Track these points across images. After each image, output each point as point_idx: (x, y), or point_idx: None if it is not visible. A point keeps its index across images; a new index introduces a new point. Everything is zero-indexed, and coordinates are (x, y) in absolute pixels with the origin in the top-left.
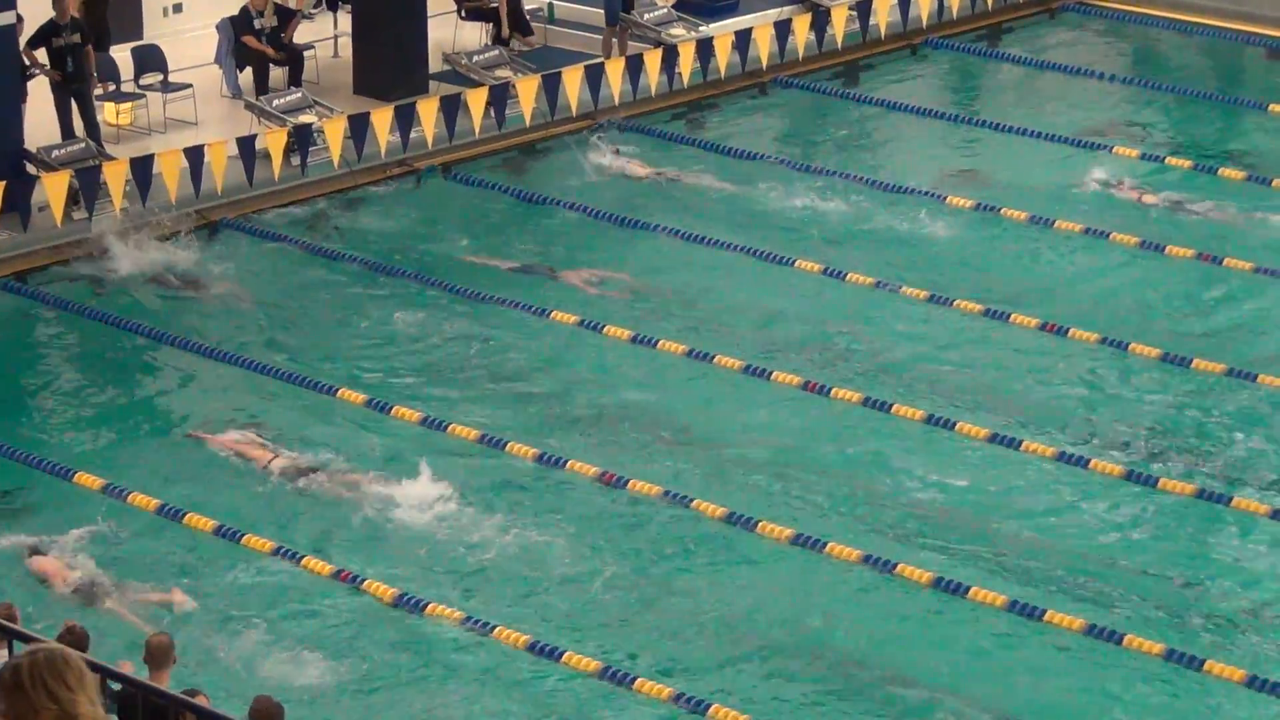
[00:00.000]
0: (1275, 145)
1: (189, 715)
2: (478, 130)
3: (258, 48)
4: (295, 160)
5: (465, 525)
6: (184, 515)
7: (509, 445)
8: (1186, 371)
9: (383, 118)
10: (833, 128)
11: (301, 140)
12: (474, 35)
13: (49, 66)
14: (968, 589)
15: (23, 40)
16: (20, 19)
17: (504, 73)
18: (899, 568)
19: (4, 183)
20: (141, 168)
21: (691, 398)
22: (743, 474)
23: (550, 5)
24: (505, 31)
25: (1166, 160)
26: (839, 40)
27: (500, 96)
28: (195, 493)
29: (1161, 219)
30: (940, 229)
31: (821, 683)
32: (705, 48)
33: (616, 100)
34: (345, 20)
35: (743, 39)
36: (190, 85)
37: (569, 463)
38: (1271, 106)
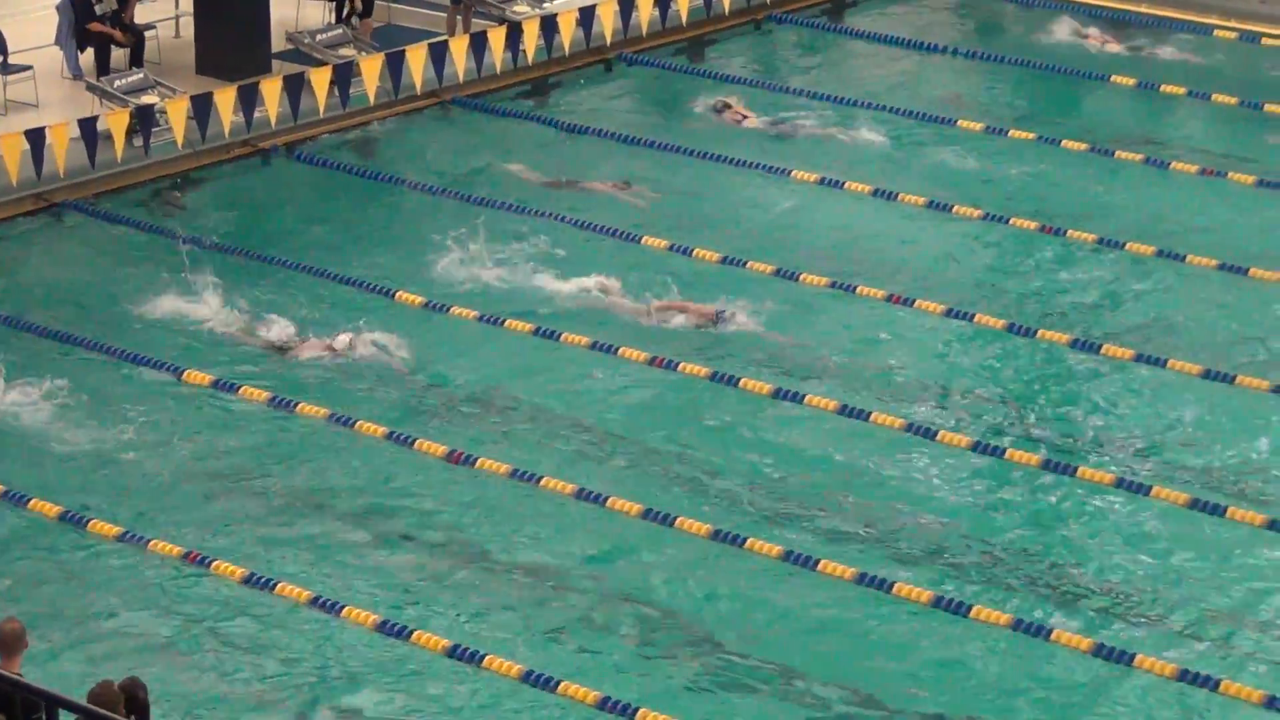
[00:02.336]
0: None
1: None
2: (322, 110)
3: (103, 30)
4: (138, 141)
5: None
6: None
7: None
8: (1033, 343)
9: (226, 98)
10: (680, 103)
11: (144, 121)
12: (317, 14)
13: None
14: (817, 562)
15: None
16: None
17: (348, 51)
18: (749, 542)
19: None
20: None
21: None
22: (567, 443)
23: None
24: (349, 10)
25: (1010, 133)
26: (683, 17)
27: (344, 75)
28: None
29: (1000, 190)
30: (787, 202)
31: (659, 651)
32: (549, 24)
33: (461, 78)
34: (187, 0)
35: (587, 16)
36: (30, 67)
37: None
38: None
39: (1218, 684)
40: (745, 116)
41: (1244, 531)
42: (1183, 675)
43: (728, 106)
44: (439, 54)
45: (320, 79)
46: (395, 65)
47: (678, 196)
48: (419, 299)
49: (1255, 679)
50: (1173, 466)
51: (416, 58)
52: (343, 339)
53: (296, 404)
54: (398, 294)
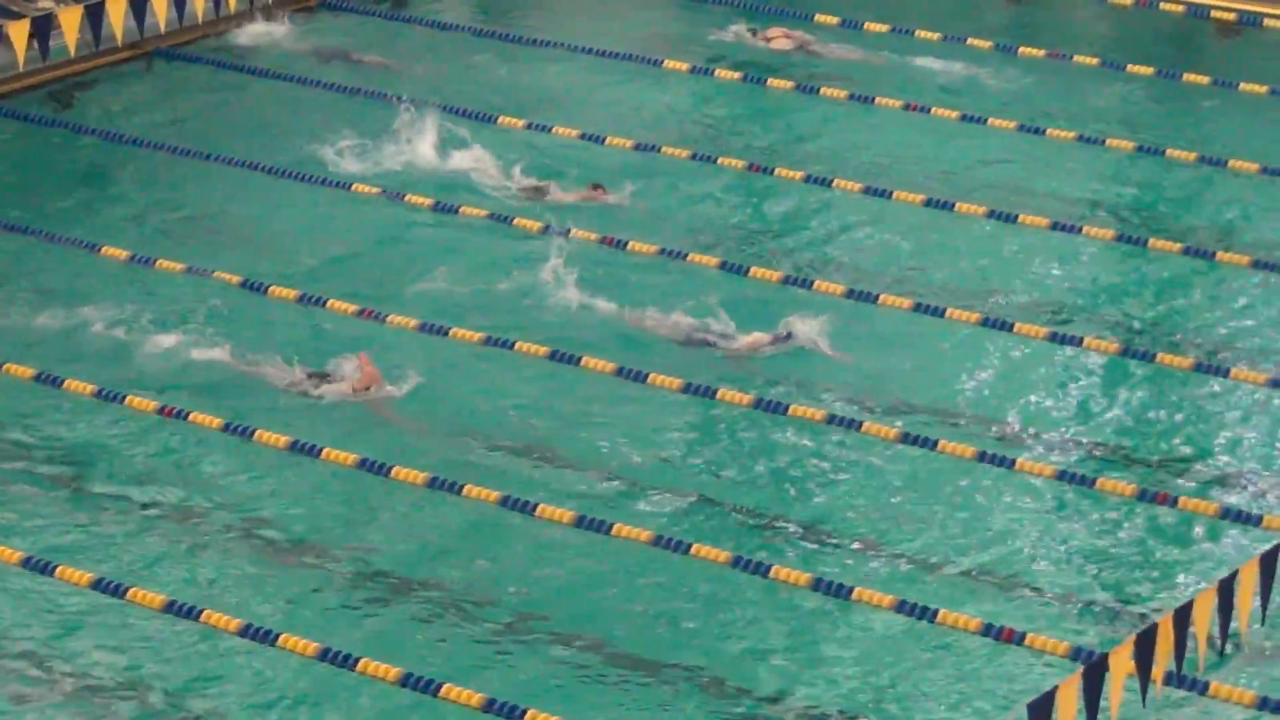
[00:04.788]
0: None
1: None
2: (21, 63)
3: None
4: None
5: None
6: None
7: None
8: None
9: None
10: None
11: None
12: None
13: None
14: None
15: None
16: None
17: (46, 4)
18: (465, 487)
19: None
20: None
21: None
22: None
23: None
24: None
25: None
26: None
27: (43, 28)
28: None
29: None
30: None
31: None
32: None
33: (163, 29)
34: None
35: None
36: None
37: None
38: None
39: (935, 614)
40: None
41: (956, 463)
42: (900, 606)
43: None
44: (139, 6)
45: (18, 32)
46: (95, 16)
47: None
48: (123, 253)
49: (976, 610)
50: (883, 402)
51: (116, 9)
52: None
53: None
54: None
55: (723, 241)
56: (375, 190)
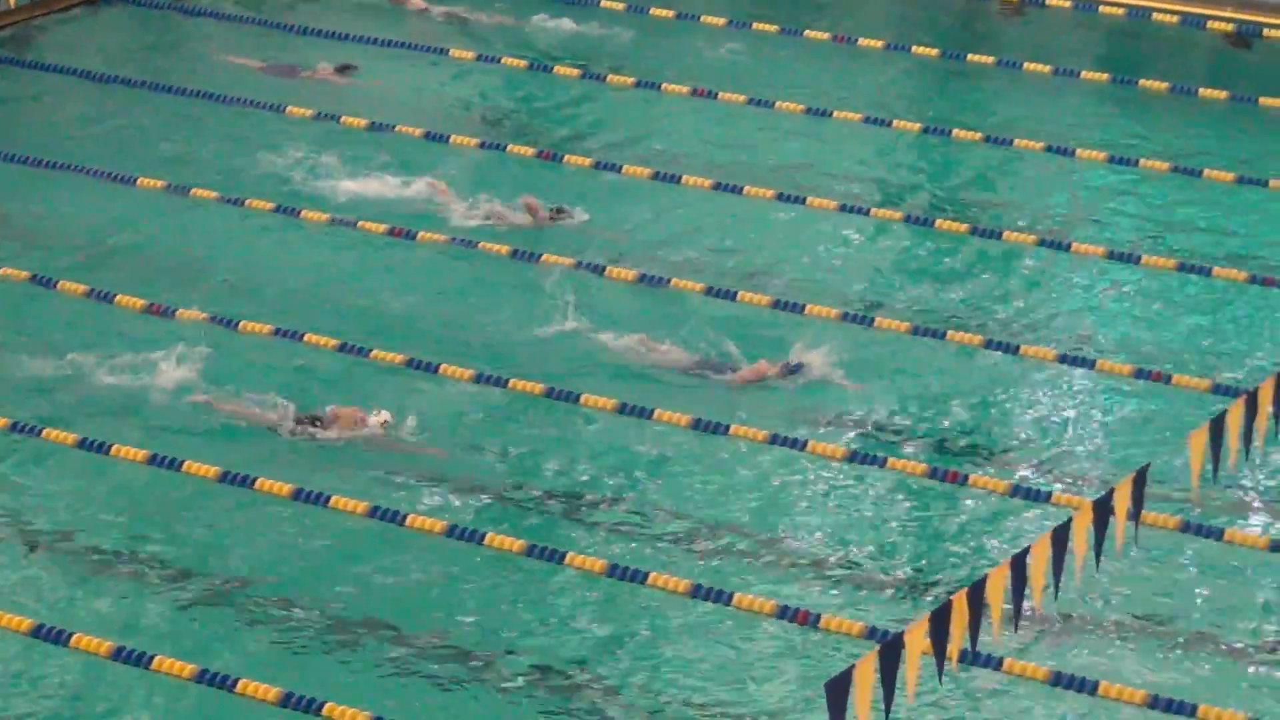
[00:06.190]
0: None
1: None
2: None
3: None
4: None
5: None
6: None
7: None
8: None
9: None
10: None
11: None
12: None
13: None
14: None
15: None
16: None
17: None
18: (258, 482)
19: None
20: None
21: None
22: None
23: None
24: None
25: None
26: None
27: None
28: None
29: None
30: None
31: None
32: None
33: None
34: None
35: None
36: None
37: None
38: None
39: (730, 597)
40: None
41: (748, 444)
42: (695, 591)
43: None
44: None
45: None
46: None
47: None
48: None
49: (766, 589)
50: (680, 381)
51: None
52: None
53: None
54: None
55: (517, 230)
56: None
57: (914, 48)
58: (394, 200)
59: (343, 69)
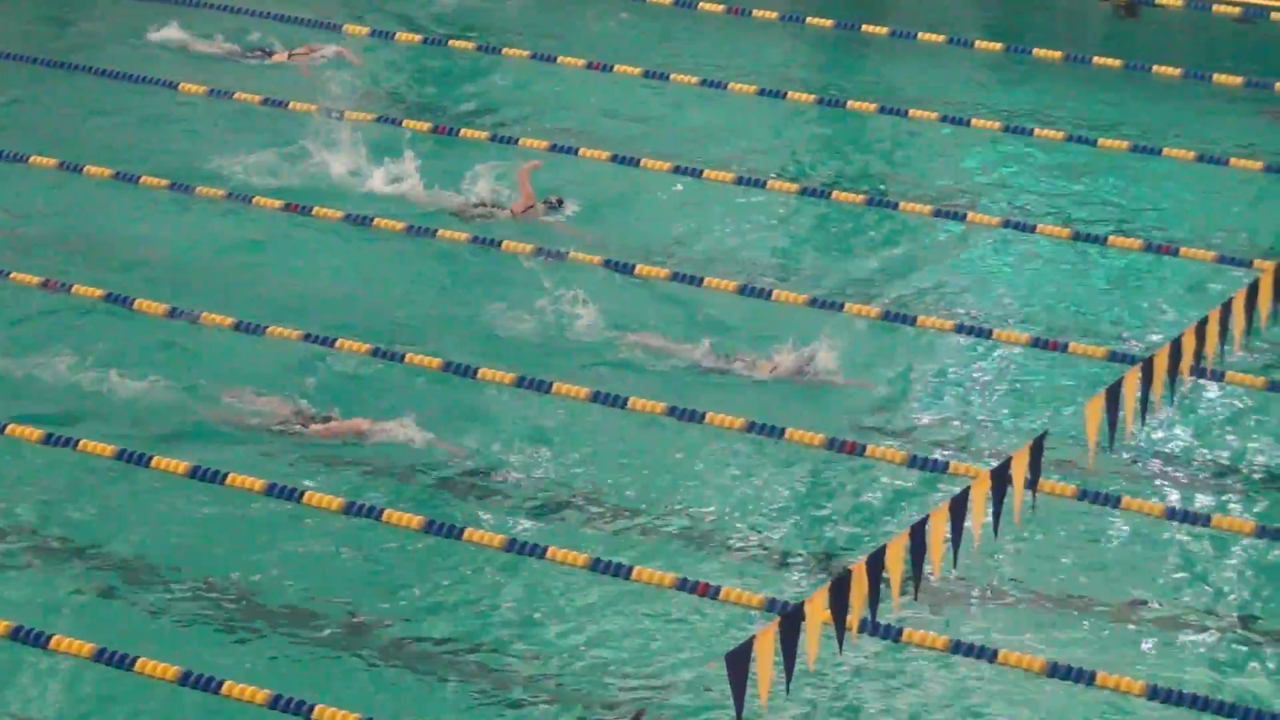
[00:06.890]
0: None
1: None
2: None
3: None
4: None
5: None
6: None
7: None
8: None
9: None
10: None
11: None
12: None
13: None
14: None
15: None
16: None
17: None
18: (154, 460)
19: None
20: None
21: None
22: None
23: None
24: None
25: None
26: None
27: None
28: None
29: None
30: None
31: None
32: None
33: None
34: None
35: None
36: None
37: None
38: None
39: (630, 571)
40: None
41: (647, 419)
42: (594, 565)
43: None
44: None
45: None
46: None
47: None
48: None
49: (669, 565)
50: (579, 360)
51: None
52: None
53: None
54: None
55: (417, 208)
56: None
57: (808, 19)
58: (292, 176)
59: (310, 51)
